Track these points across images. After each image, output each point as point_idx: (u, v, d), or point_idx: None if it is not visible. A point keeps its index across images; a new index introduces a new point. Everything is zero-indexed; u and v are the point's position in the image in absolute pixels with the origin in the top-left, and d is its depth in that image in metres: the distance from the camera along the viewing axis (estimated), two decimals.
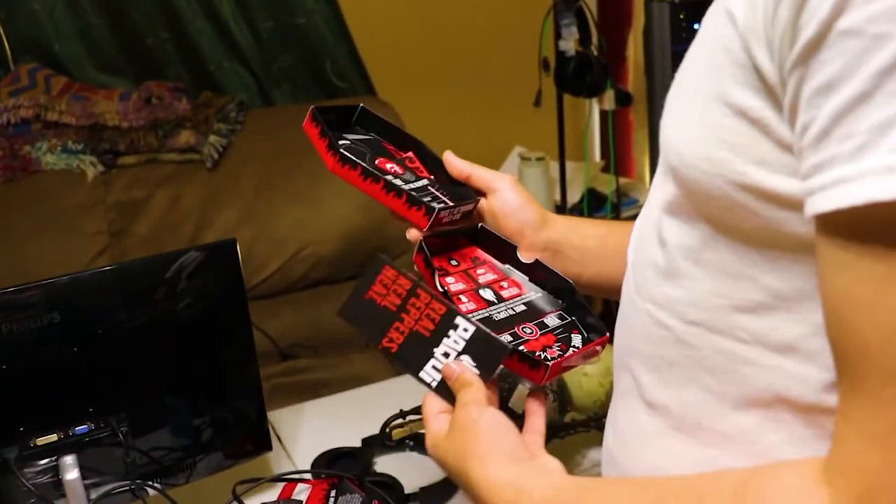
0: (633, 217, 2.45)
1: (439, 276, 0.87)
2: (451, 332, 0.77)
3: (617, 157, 2.37)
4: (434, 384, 0.77)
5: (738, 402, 0.64)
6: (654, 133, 2.15)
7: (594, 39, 2.17)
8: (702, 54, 0.61)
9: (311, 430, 1.48)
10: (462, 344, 0.77)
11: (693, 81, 0.61)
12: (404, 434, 1.35)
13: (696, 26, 2.01)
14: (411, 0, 2.77)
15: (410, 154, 0.98)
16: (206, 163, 2.35)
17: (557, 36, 2.14)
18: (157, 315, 1.18)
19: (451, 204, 0.91)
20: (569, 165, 2.45)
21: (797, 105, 0.50)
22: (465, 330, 0.77)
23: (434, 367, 0.77)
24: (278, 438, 1.44)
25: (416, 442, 1.35)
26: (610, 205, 2.52)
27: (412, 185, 0.92)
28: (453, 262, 0.92)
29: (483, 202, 0.94)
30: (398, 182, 0.90)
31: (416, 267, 0.87)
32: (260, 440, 1.29)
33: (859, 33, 0.46)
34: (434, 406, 0.77)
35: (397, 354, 0.78)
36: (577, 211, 2.48)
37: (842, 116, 0.47)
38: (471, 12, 2.81)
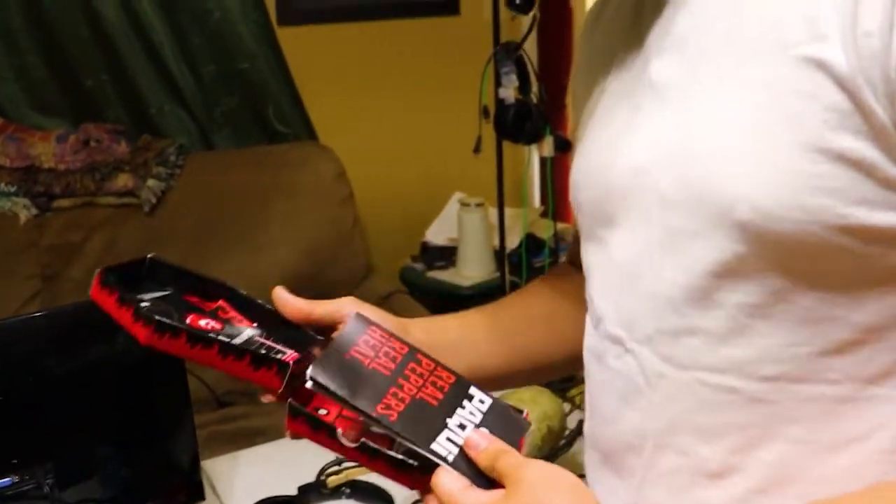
0: None
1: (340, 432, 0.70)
2: (465, 403, 0.70)
3: (556, 203, 2.40)
4: (451, 457, 0.67)
5: (833, 444, 0.62)
6: None
7: (534, 87, 2.21)
8: (758, 107, 0.57)
9: (246, 478, 1.46)
10: (479, 416, 0.70)
11: (745, 127, 0.58)
12: (340, 481, 1.34)
13: None
14: (354, 46, 2.79)
15: (221, 303, 0.82)
16: (144, 207, 2.33)
17: (498, 84, 2.17)
18: (88, 362, 1.16)
19: (298, 354, 0.76)
20: (508, 211, 2.48)
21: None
22: (482, 402, 0.71)
23: (449, 440, 0.68)
24: (212, 488, 1.42)
25: (353, 489, 1.34)
26: (548, 250, 2.54)
27: (238, 340, 0.76)
28: (322, 412, 0.72)
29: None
30: (233, 341, 0.75)
31: (302, 435, 0.70)
32: (193, 490, 1.27)
33: None
34: (456, 482, 0.66)
35: (397, 424, 0.68)
36: (517, 256, 2.49)
37: None
38: (413, 60, 2.85)
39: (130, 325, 0.73)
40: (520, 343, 0.92)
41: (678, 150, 0.63)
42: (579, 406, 1.40)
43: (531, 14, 2.02)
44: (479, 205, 2.50)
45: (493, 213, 2.49)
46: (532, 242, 2.56)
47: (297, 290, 2.47)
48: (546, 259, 2.54)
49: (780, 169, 0.56)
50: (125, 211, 2.34)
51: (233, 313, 0.81)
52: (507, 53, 2.12)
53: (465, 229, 2.53)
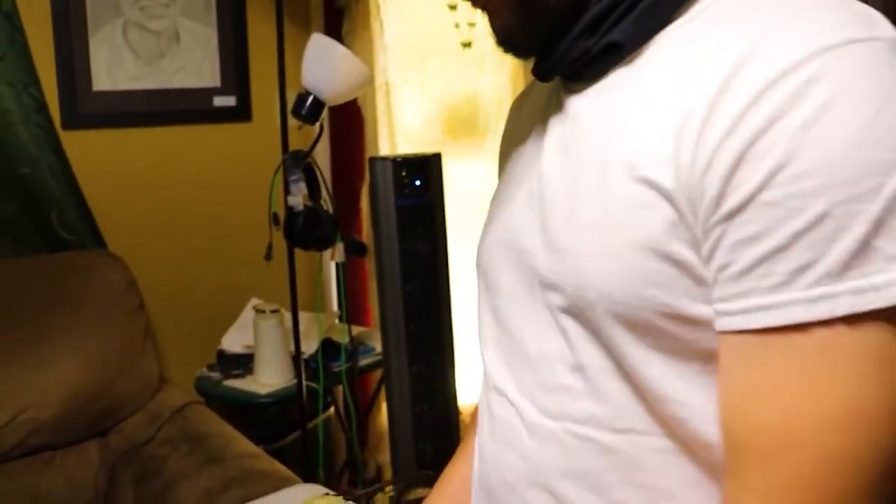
0: (373, 365, 2.46)
1: None
2: None
3: (352, 307, 2.42)
4: None
5: (670, 489, 0.72)
6: (382, 282, 2.22)
7: (324, 194, 2.24)
8: (597, 202, 0.70)
9: None
10: None
11: (597, 226, 0.70)
12: None
13: (417, 182, 2.14)
14: (141, 151, 2.75)
15: None
16: None
17: (287, 191, 2.19)
18: None
19: None
20: (304, 316, 2.47)
21: (715, 251, 0.62)
22: None
23: None
24: None
25: None
26: (345, 354, 2.54)
27: None
28: None
29: None
30: None
31: None
32: None
33: (779, 205, 0.58)
34: None
35: None
36: (314, 362, 2.48)
37: (762, 261, 0.59)
38: (202, 166, 2.83)
39: None
40: None
41: (552, 240, 0.75)
42: None
43: (318, 123, 2.06)
44: (274, 311, 2.48)
45: (288, 318, 2.48)
46: (329, 347, 2.56)
47: (81, 406, 2.37)
48: (343, 364, 2.54)
49: (620, 264, 0.68)
50: None
51: None
52: (295, 161, 2.15)
53: (261, 336, 2.50)
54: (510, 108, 1.01)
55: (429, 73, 3.01)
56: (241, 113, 2.87)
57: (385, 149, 2.83)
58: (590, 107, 0.75)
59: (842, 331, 0.58)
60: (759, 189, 0.59)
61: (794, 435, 0.59)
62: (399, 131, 2.89)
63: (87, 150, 2.62)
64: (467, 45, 3.00)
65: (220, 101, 2.84)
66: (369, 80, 2.01)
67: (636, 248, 0.66)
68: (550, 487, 0.78)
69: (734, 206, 0.60)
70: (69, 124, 2.62)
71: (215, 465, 2.07)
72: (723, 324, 0.63)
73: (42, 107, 2.51)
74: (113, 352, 2.35)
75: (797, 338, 0.59)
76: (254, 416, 2.66)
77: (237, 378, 2.58)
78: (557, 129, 0.79)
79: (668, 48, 0.69)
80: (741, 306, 0.61)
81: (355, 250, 2.41)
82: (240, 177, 2.84)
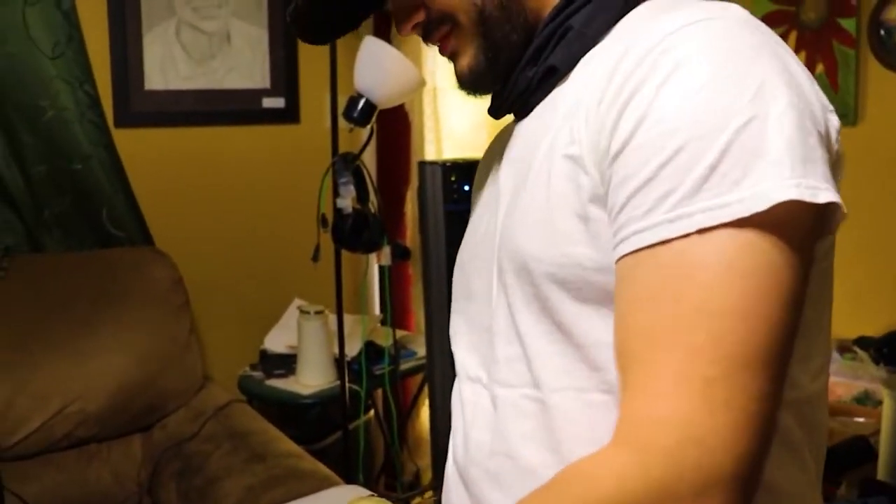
0: (415, 369, 2.47)
1: None
2: None
3: (395, 311, 2.43)
4: None
5: (604, 439, 0.74)
6: (428, 286, 2.23)
7: (372, 197, 2.25)
8: (539, 186, 0.81)
9: None
10: None
11: (537, 206, 0.81)
12: None
13: (466, 187, 2.14)
14: (191, 150, 2.78)
15: None
16: None
17: (336, 194, 2.20)
18: None
19: None
20: (348, 319, 2.48)
21: (607, 195, 0.74)
22: None
23: None
24: None
25: None
26: (388, 357, 2.55)
27: None
28: None
29: None
30: None
31: None
32: None
33: (644, 146, 0.71)
34: None
35: None
36: (357, 364, 2.49)
37: (634, 193, 0.71)
38: (250, 167, 2.86)
39: None
40: None
41: (506, 231, 0.86)
42: None
43: (369, 126, 2.07)
44: (318, 312, 2.50)
45: (332, 320, 2.49)
46: (372, 350, 2.57)
47: (127, 399, 2.40)
48: (386, 367, 2.55)
49: (550, 229, 0.79)
50: None
51: None
52: (345, 164, 2.16)
53: (304, 337, 2.51)
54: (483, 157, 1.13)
55: None
56: (290, 115, 2.89)
57: (431, 153, 2.84)
58: (532, 123, 0.88)
59: (696, 242, 0.68)
60: (631, 136, 0.72)
61: (664, 334, 0.68)
62: (446, 136, 2.90)
63: (137, 148, 2.66)
64: None
65: (269, 102, 2.86)
66: (421, 84, 2.01)
67: (557, 213, 0.78)
68: (511, 452, 0.85)
69: (615, 152, 0.73)
70: (121, 122, 2.66)
71: (258, 463, 2.08)
72: (614, 254, 0.73)
73: (96, 104, 2.55)
74: (159, 348, 2.38)
75: (663, 253, 0.69)
76: (295, 416, 2.67)
77: (279, 378, 2.59)
78: (509, 152, 0.92)
79: (587, 65, 0.83)
80: (621, 235, 0.72)
81: (400, 254, 2.42)
82: (287, 178, 2.87)
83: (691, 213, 0.68)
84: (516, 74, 0.88)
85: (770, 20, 2.69)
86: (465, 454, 0.92)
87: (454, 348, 1.00)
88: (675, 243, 0.69)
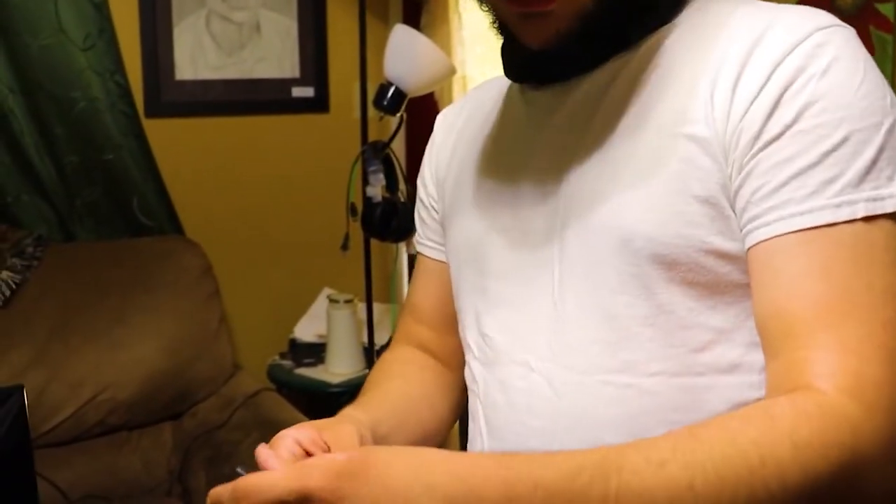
0: None
1: None
2: None
3: None
4: None
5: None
6: None
7: (401, 185, 2.24)
8: (646, 162, 0.80)
9: None
10: None
11: (648, 184, 0.79)
12: None
13: None
14: (221, 140, 2.79)
15: None
16: None
17: (365, 182, 2.20)
18: None
19: None
20: (376, 307, 2.48)
21: (748, 179, 0.75)
22: None
23: None
24: None
25: None
26: None
27: None
28: None
29: None
30: None
31: None
32: None
33: (809, 132, 0.74)
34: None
35: None
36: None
37: (796, 176, 0.74)
38: (279, 156, 2.86)
39: None
40: (417, 430, 1.01)
41: (594, 206, 0.83)
42: None
43: (398, 115, 2.07)
44: (347, 301, 2.50)
45: (361, 308, 2.49)
46: None
47: (157, 388, 2.41)
48: None
49: (664, 210, 0.78)
50: None
51: None
52: (374, 152, 2.16)
53: (334, 325, 2.52)
54: (443, 122, 1.08)
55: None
56: (319, 104, 2.89)
57: None
58: (589, 91, 0.86)
59: (866, 228, 0.73)
60: (794, 121, 0.74)
61: (856, 304, 0.71)
62: None
63: (168, 138, 2.67)
64: None
65: (298, 91, 2.87)
66: (451, 72, 2.01)
67: (672, 195, 0.78)
68: (588, 440, 0.81)
69: (771, 136, 0.75)
70: (152, 112, 2.67)
71: None
72: (759, 235, 0.75)
73: (127, 94, 2.57)
74: (189, 336, 2.39)
75: (831, 233, 0.73)
76: (323, 404, 2.68)
77: (309, 366, 2.60)
78: (551, 118, 0.89)
79: (679, 44, 0.84)
80: (778, 215, 0.74)
81: None
82: (316, 167, 2.87)
83: (855, 201, 0.73)
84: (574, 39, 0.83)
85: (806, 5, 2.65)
86: (516, 441, 0.88)
87: (471, 329, 0.95)
88: (843, 226, 0.73)
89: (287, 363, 2.65)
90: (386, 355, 1.11)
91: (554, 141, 0.89)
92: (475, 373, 0.95)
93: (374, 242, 2.33)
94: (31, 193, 2.52)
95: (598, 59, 0.86)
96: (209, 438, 2.26)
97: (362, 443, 0.85)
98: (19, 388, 1.17)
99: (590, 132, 0.86)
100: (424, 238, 1.10)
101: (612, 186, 0.82)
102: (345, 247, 2.27)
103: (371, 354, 2.38)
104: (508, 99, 0.98)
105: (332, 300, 2.52)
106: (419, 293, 1.11)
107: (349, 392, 2.54)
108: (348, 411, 0.94)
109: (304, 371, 2.59)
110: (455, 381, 1.06)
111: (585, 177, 0.85)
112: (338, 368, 2.53)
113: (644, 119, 0.82)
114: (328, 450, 0.82)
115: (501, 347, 0.91)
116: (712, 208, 0.78)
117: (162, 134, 2.65)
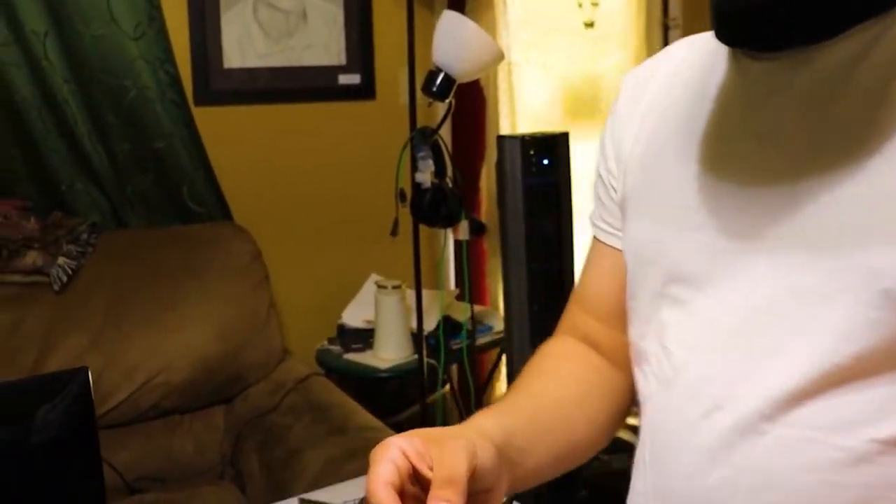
0: (492, 343, 2.44)
1: None
2: None
3: (471, 286, 2.43)
4: None
5: None
6: (506, 261, 2.23)
7: (449, 171, 2.25)
8: None
9: None
10: None
11: None
12: None
13: (545, 161, 2.13)
14: (269, 127, 2.81)
15: None
16: (54, 285, 2.27)
17: (414, 168, 2.21)
18: None
19: None
20: (424, 293, 2.49)
21: None
22: None
23: None
24: None
25: None
26: (465, 332, 2.56)
27: None
28: None
29: None
30: None
31: None
32: None
33: None
34: None
35: None
36: (434, 338, 2.50)
37: None
38: (326, 143, 2.88)
39: None
40: (563, 440, 0.87)
41: (844, 230, 0.64)
42: None
43: (447, 101, 2.07)
44: (395, 287, 2.51)
45: (409, 294, 2.51)
46: (448, 325, 2.58)
47: (209, 372, 2.43)
48: (464, 341, 2.55)
49: None
50: (33, 289, 2.28)
51: None
52: (423, 138, 2.16)
53: (382, 311, 2.53)
54: (629, 86, 0.91)
55: (551, 52, 2.99)
56: (366, 91, 2.91)
57: (506, 128, 2.83)
58: (837, 61, 0.66)
59: None
60: None
61: None
62: (520, 110, 2.88)
63: (216, 126, 2.70)
64: (590, 25, 2.97)
65: (345, 79, 2.88)
66: (500, 57, 2.01)
67: None
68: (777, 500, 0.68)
69: None
70: (201, 100, 2.70)
71: (338, 435, 2.11)
72: None
73: (176, 83, 2.59)
74: (239, 321, 2.42)
75: None
76: (371, 389, 2.70)
77: (357, 352, 2.62)
78: (782, 95, 0.70)
79: None
80: None
81: (476, 229, 2.42)
82: (362, 154, 2.88)
83: None
84: None
85: None
86: (695, 492, 0.73)
87: (661, 340, 0.79)
88: None
89: (335, 348, 2.67)
90: (544, 347, 0.96)
91: (777, 131, 0.70)
92: (648, 387, 0.82)
93: (421, 229, 2.34)
94: (85, 181, 2.56)
95: (842, 22, 0.65)
96: (260, 422, 2.28)
97: (480, 461, 0.69)
98: (84, 370, 1.19)
99: (830, 128, 0.66)
100: (599, 219, 0.94)
101: (868, 219, 0.62)
102: (394, 232, 2.28)
103: (421, 340, 2.39)
104: (718, 65, 0.78)
105: (379, 286, 2.54)
106: (589, 280, 0.96)
107: (397, 377, 2.56)
108: (479, 418, 0.78)
109: (352, 356, 2.61)
110: (622, 383, 0.91)
111: (821, 189, 0.65)
112: (386, 354, 2.55)
113: (886, 120, 0.62)
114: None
115: (682, 370, 0.76)
116: None
117: (211, 122, 2.68)
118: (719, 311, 0.73)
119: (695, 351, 0.75)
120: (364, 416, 2.22)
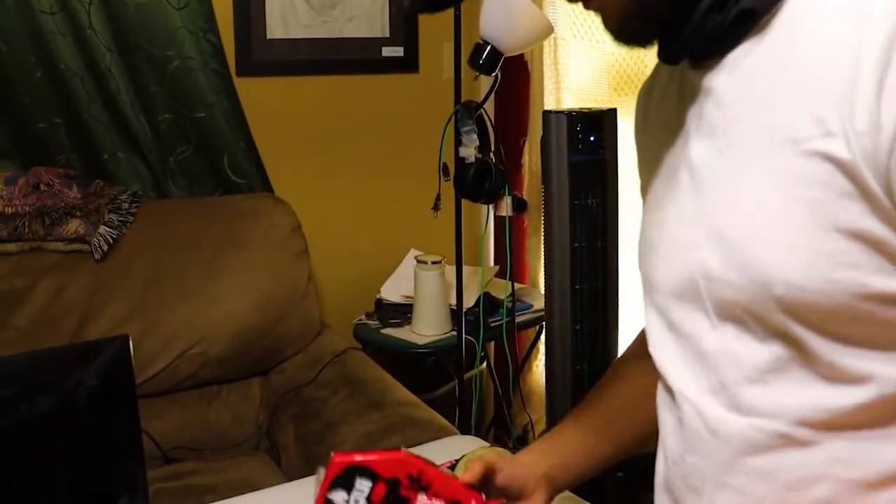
0: (531, 321, 2.41)
1: None
2: None
3: (512, 263, 2.40)
4: None
5: (875, 482, 0.70)
6: (549, 239, 2.19)
7: (493, 147, 2.22)
8: (782, 195, 0.67)
9: None
10: None
11: (780, 217, 0.67)
12: None
13: (591, 138, 2.09)
14: (312, 100, 2.79)
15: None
16: (95, 254, 2.28)
17: (458, 142, 2.17)
18: (35, 415, 1.11)
19: None
20: (465, 270, 2.47)
21: None
22: None
23: None
24: None
25: None
26: (505, 310, 2.54)
27: None
28: None
29: None
30: None
31: None
32: None
33: None
34: None
35: None
36: (473, 315, 2.48)
37: None
38: (368, 116, 2.86)
39: None
40: (626, 438, 1.07)
41: (718, 233, 0.72)
42: None
43: (493, 75, 2.03)
44: (436, 262, 2.49)
45: (449, 270, 2.48)
46: (488, 302, 2.55)
47: (247, 343, 2.42)
48: (504, 318, 2.53)
49: (806, 250, 0.66)
50: (75, 257, 2.29)
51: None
52: (467, 112, 2.13)
53: (421, 287, 2.51)
54: (638, 98, 0.98)
55: (597, 27, 2.93)
56: (409, 64, 2.88)
57: (550, 104, 2.79)
58: (727, 83, 0.74)
59: None
60: None
61: None
62: (565, 86, 2.84)
63: (258, 97, 2.69)
64: None
65: (388, 51, 2.85)
66: (549, 31, 1.96)
67: (820, 230, 0.65)
68: (740, 488, 0.76)
69: None
70: (243, 71, 2.68)
71: (375, 410, 2.10)
72: None
73: (219, 53, 2.58)
74: (278, 293, 2.41)
75: None
76: (408, 365, 2.69)
77: (395, 327, 2.61)
78: (696, 111, 0.77)
79: (798, 16, 0.68)
80: None
81: (517, 206, 2.38)
82: (405, 127, 2.86)
83: None
84: (697, 18, 0.73)
85: None
86: (681, 479, 0.83)
87: (649, 344, 0.88)
88: None
89: (373, 323, 2.66)
90: (629, 346, 1.08)
91: (691, 141, 0.78)
92: (658, 393, 0.90)
93: (462, 205, 2.31)
94: (127, 151, 2.55)
95: (716, 40, 0.73)
96: (297, 395, 2.28)
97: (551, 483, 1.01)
98: (124, 338, 1.19)
99: (710, 133, 0.75)
100: None
101: (741, 218, 0.70)
102: (436, 207, 2.25)
103: (460, 316, 2.37)
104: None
105: (419, 261, 2.52)
106: None
107: (434, 353, 2.54)
108: (557, 434, 1.07)
109: (390, 331, 2.60)
110: None
111: (725, 202, 0.73)
112: (424, 330, 2.53)
113: (752, 123, 0.70)
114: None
115: (663, 370, 0.86)
116: (869, 245, 0.65)
117: (253, 93, 2.67)
118: (667, 312, 0.83)
119: (658, 353, 0.86)
120: (401, 392, 2.21)
